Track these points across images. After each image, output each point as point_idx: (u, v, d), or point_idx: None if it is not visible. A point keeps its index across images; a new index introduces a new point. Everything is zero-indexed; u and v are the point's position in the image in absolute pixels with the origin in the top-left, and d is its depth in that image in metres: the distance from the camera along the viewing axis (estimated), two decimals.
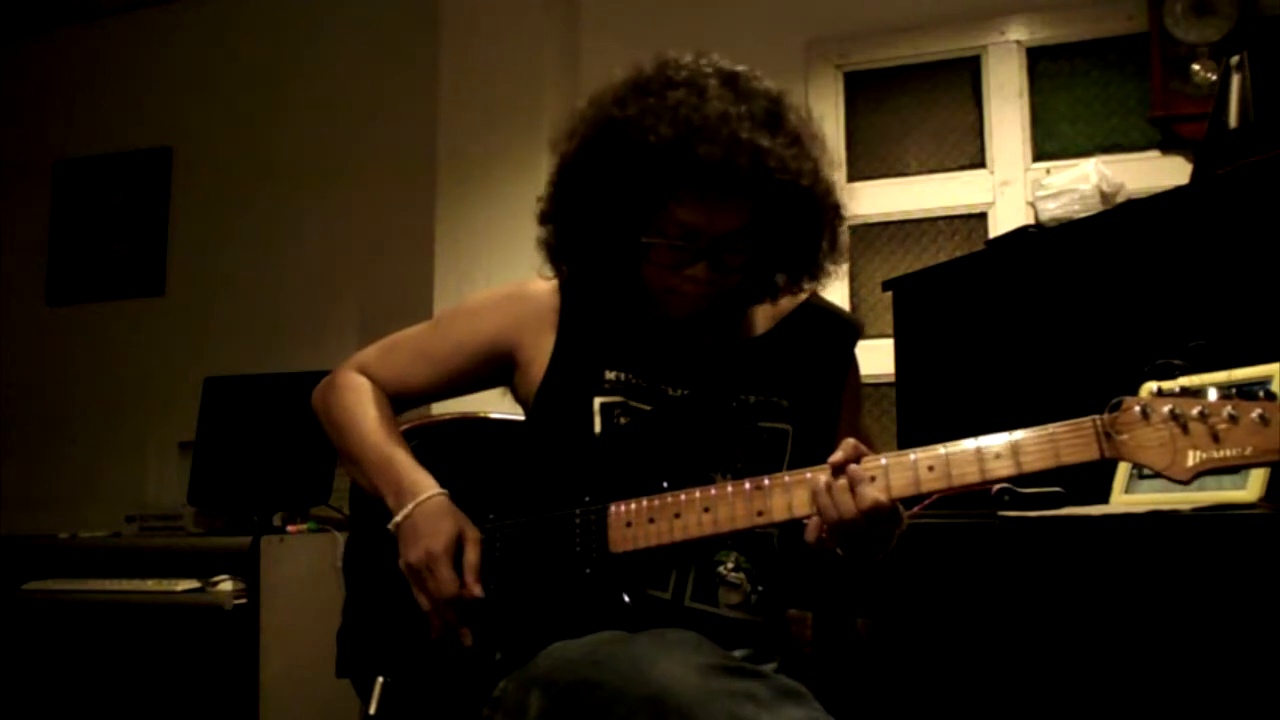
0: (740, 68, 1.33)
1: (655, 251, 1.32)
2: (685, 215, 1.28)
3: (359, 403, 1.46)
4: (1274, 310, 1.56)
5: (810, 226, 1.34)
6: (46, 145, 4.21)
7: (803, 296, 1.49)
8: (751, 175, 1.25)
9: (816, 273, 1.39)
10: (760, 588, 1.36)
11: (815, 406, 1.42)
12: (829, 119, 3.21)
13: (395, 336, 1.53)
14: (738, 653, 1.29)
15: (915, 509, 1.54)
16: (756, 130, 1.26)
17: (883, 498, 1.16)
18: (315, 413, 1.52)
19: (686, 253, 1.31)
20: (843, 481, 1.17)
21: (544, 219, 1.42)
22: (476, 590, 1.31)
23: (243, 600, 2.78)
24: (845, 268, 3.05)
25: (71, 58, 4.22)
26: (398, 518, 1.34)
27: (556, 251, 1.42)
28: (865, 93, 3.23)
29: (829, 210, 1.35)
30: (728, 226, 1.29)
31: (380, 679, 1.38)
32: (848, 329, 1.50)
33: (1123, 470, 1.53)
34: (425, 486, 1.36)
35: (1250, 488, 1.34)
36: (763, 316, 1.48)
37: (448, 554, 1.31)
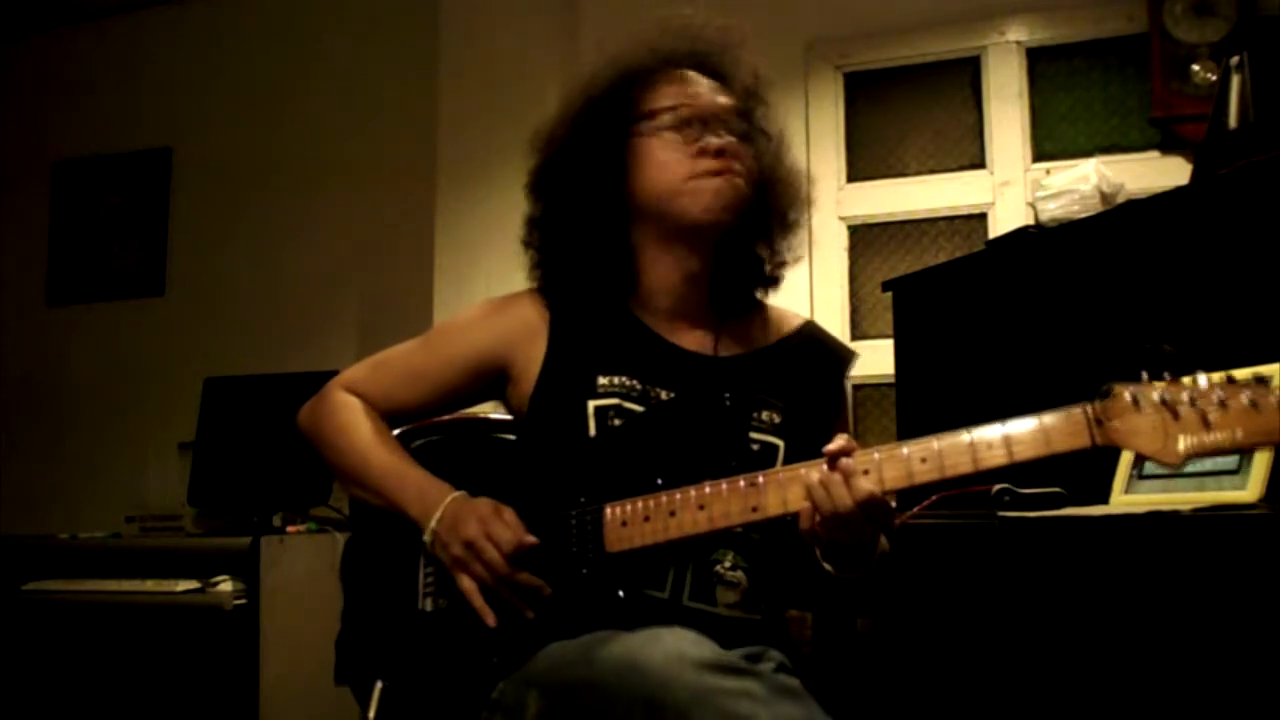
0: None
1: (662, 135, 1.39)
2: (670, 94, 1.41)
3: (354, 421, 1.45)
4: (1274, 310, 1.56)
5: (778, 152, 1.46)
6: (46, 145, 4.20)
7: (798, 321, 1.52)
8: (719, 57, 1.42)
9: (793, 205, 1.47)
10: (758, 585, 1.36)
11: (807, 425, 1.41)
12: (829, 119, 3.21)
13: (384, 354, 1.52)
14: (735, 651, 1.29)
15: (915, 509, 1.54)
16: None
17: (876, 490, 1.17)
18: (303, 433, 1.52)
19: (689, 124, 1.38)
20: (837, 475, 1.18)
21: (533, 224, 1.48)
22: (529, 538, 1.30)
23: (242, 601, 2.78)
24: (846, 269, 3.11)
25: (71, 58, 4.21)
26: (433, 523, 1.33)
27: (549, 248, 1.46)
28: (865, 93, 3.23)
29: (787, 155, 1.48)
30: (715, 103, 1.40)
31: (379, 684, 1.37)
32: (838, 358, 1.52)
33: (1122, 470, 1.52)
34: (447, 489, 1.36)
35: (1250, 488, 1.33)
36: (762, 332, 1.49)
37: (492, 527, 1.30)
